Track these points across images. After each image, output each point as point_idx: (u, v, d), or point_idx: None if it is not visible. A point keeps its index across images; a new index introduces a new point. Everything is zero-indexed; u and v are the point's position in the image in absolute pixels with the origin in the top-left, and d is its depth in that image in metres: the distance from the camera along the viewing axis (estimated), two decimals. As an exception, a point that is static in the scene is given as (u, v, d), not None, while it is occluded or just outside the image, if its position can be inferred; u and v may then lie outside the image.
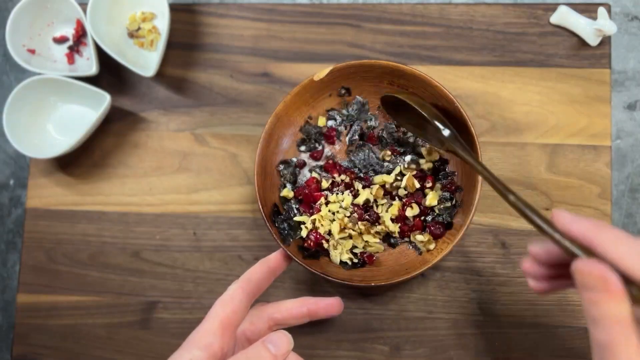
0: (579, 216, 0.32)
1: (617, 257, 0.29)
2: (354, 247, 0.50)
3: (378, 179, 0.51)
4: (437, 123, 0.46)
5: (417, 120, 0.48)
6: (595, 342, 0.29)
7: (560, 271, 0.35)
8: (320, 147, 0.54)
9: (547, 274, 0.35)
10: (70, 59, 0.59)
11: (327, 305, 0.46)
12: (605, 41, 0.55)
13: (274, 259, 0.45)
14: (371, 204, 0.51)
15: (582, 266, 0.30)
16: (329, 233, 0.49)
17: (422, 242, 0.49)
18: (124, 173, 0.58)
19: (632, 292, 0.29)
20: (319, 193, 0.51)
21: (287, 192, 0.52)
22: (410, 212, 0.50)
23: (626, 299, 0.28)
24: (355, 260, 0.50)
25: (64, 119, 0.59)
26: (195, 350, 0.36)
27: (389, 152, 0.52)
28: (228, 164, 0.57)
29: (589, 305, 0.29)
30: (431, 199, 0.49)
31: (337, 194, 0.51)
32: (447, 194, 0.50)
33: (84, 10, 0.56)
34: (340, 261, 0.49)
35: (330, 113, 0.53)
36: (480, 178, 0.46)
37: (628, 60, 0.57)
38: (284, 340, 0.38)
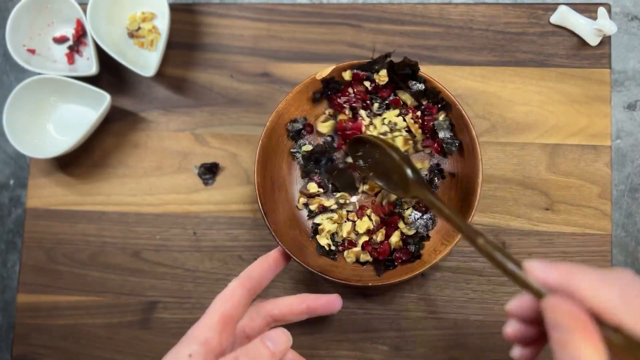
0: (551, 263, 0.28)
1: (596, 302, 0.26)
2: (335, 234, 0.51)
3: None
4: (405, 167, 0.45)
5: (382, 167, 0.47)
6: None
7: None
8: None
9: (533, 334, 0.30)
10: (70, 59, 0.59)
11: (327, 302, 0.46)
12: (605, 41, 0.55)
13: (273, 256, 0.45)
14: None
15: (551, 302, 0.27)
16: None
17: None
18: (124, 173, 0.58)
19: (611, 338, 0.25)
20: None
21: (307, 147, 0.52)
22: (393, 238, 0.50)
23: (602, 344, 0.25)
24: (333, 248, 0.51)
25: (64, 119, 0.59)
26: (193, 346, 0.36)
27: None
28: (228, 164, 0.57)
29: (559, 348, 0.26)
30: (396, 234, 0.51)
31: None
32: (418, 215, 0.50)
33: (84, 10, 0.56)
34: (319, 245, 0.51)
35: (293, 151, 0.53)
36: (480, 179, 0.46)
37: (628, 60, 0.57)
38: (283, 337, 0.38)
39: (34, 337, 0.57)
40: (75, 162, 0.59)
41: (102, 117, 0.56)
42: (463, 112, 0.47)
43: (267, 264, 0.43)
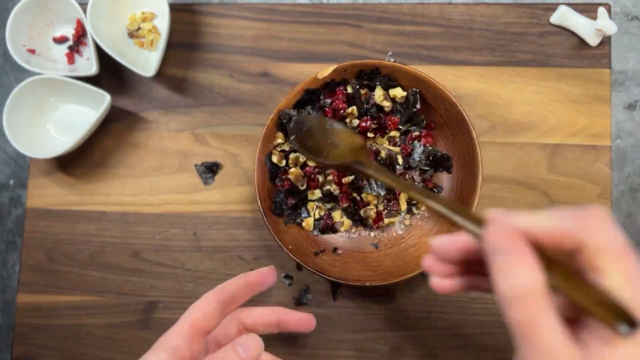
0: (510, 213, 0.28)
1: (535, 230, 0.27)
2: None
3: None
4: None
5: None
6: (512, 327, 0.26)
7: (467, 268, 0.32)
8: None
9: (452, 271, 0.32)
10: (70, 59, 0.59)
11: (298, 319, 0.45)
12: (605, 41, 0.55)
13: (253, 275, 0.44)
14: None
15: (490, 229, 0.27)
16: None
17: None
18: (124, 173, 0.58)
19: (551, 279, 0.26)
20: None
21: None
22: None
23: (540, 269, 0.26)
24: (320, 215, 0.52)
25: (64, 119, 0.59)
26: (162, 353, 0.36)
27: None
28: (228, 164, 0.57)
29: (499, 276, 0.26)
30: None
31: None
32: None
33: (84, 10, 0.56)
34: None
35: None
36: (480, 179, 0.46)
37: (628, 60, 0.57)
38: (254, 343, 0.38)
39: (34, 337, 0.57)
40: (75, 162, 0.59)
41: (102, 117, 0.56)
42: (463, 113, 0.47)
43: (243, 281, 0.43)
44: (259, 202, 0.48)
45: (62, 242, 0.58)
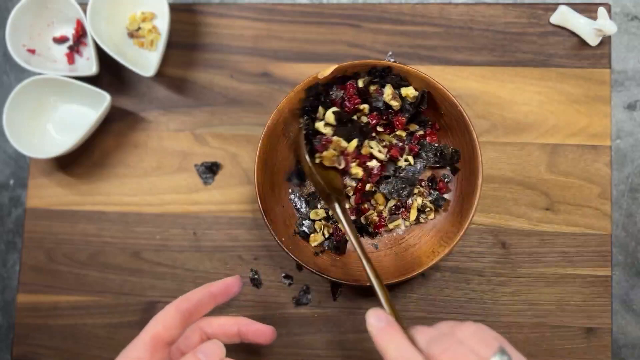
0: (381, 322, 0.38)
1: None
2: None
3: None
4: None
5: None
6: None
7: None
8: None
9: None
10: (70, 59, 0.59)
11: (257, 331, 0.45)
12: (605, 41, 0.55)
13: (216, 286, 0.44)
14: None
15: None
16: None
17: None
18: (124, 173, 0.58)
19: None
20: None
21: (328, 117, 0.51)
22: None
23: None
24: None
25: (64, 119, 0.59)
26: None
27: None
28: (228, 164, 0.57)
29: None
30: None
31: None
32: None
33: (84, 10, 0.56)
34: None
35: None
36: (480, 179, 0.46)
37: (628, 60, 0.57)
38: (215, 349, 0.39)
39: (34, 337, 0.57)
40: (75, 162, 0.59)
41: (102, 117, 0.56)
42: (463, 113, 0.47)
43: (206, 291, 0.43)
44: (259, 202, 0.48)
45: (62, 242, 0.58)
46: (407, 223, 0.52)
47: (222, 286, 0.44)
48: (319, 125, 0.49)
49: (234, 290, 0.45)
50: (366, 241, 0.52)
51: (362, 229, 0.52)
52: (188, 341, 0.42)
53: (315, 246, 0.51)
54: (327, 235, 0.51)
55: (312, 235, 0.51)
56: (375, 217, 0.51)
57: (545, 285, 0.52)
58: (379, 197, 0.51)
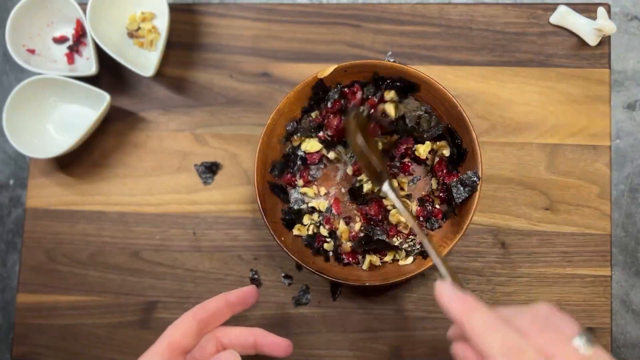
0: (456, 294, 0.34)
1: (481, 347, 0.32)
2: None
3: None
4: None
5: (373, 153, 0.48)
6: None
7: None
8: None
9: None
10: (70, 59, 0.59)
11: (273, 343, 0.44)
12: (605, 41, 0.55)
13: (233, 295, 0.44)
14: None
15: (455, 348, 0.35)
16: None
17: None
18: (124, 173, 0.58)
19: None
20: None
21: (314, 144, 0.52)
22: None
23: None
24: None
25: (64, 119, 0.59)
26: None
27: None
28: (228, 164, 0.57)
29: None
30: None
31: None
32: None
33: (84, 10, 0.56)
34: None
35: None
36: (480, 182, 0.46)
37: (628, 60, 0.57)
38: (232, 359, 0.39)
39: (34, 337, 0.57)
40: (75, 162, 0.59)
41: (102, 117, 0.56)
42: (463, 113, 0.47)
43: (223, 300, 0.43)
44: (259, 202, 0.48)
45: (62, 242, 0.58)
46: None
47: (240, 295, 0.44)
48: (388, 107, 0.50)
49: (251, 300, 0.45)
50: None
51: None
52: (203, 350, 0.42)
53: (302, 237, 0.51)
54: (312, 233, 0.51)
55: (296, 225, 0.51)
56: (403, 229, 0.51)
57: (545, 285, 0.52)
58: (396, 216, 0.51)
